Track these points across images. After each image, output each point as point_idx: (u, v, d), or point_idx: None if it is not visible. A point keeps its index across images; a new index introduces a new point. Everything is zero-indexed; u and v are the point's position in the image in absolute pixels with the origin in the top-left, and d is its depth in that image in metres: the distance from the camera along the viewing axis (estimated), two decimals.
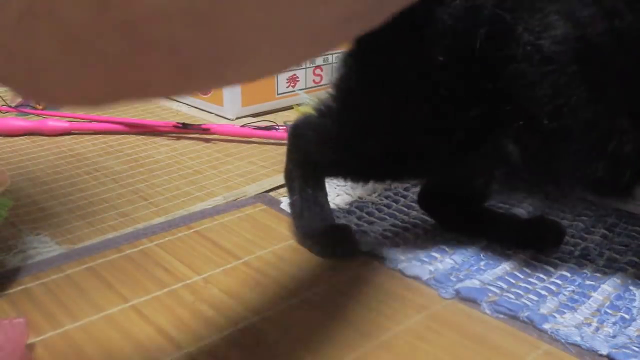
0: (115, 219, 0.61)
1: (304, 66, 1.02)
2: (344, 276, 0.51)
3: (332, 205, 0.63)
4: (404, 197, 0.66)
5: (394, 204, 0.64)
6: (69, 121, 0.89)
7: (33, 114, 0.97)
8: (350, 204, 0.64)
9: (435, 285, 0.49)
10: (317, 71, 1.04)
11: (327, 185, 0.68)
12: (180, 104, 1.05)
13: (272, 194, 0.68)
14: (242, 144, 0.84)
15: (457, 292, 0.48)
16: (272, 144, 0.84)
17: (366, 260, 0.53)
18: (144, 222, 0.60)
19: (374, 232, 0.57)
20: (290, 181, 0.57)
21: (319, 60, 1.04)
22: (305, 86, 1.03)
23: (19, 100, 1.00)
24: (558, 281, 0.50)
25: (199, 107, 1.01)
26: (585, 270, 0.52)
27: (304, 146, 0.56)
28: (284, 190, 0.69)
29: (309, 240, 0.55)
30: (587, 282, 0.50)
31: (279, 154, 0.80)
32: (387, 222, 0.60)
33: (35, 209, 0.63)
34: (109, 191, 0.68)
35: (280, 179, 0.71)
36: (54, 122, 0.88)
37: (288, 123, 0.87)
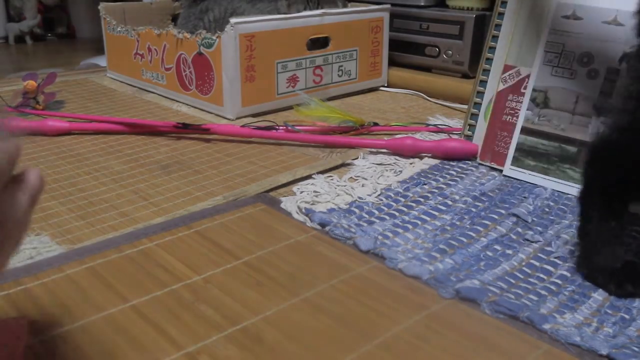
0: (115, 219, 0.61)
1: (304, 66, 1.02)
2: (344, 276, 0.51)
3: (332, 206, 0.63)
4: (404, 197, 0.66)
5: (393, 204, 0.64)
6: (69, 121, 0.89)
7: (33, 114, 0.97)
8: (350, 204, 0.64)
9: (435, 285, 0.49)
10: (317, 71, 1.04)
11: (326, 184, 0.68)
12: (181, 104, 1.05)
13: (272, 194, 0.68)
14: (242, 144, 0.84)
15: (457, 292, 0.48)
16: (272, 144, 0.84)
17: (366, 260, 0.54)
18: (144, 222, 0.60)
19: (374, 232, 0.57)
20: (587, 207, 0.50)
21: (319, 60, 1.04)
22: (305, 86, 1.03)
23: (19, 100, 1.00)
24: (558, 281, 0.50)
25: (199, 107, 1.01)
26: None
27: (608, 171, 0.48)
28: (284, 190, 0.69)
29: (603, 276, 0.49)
30: (587, 282, 0.50)
31: (279, 154, 0.80)
32: (387, 222, 0.60)
33: (35, 209, 0.63)
34: (109, 191, 0.68)
35: (280, 178, 0.71)
36: (54, 122, 0.88)
37: (288, 123, 0.87)
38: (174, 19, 1.35)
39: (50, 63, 1.60)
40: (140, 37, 1.10)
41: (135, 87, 1.17)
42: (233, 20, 0.91)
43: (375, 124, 0.89)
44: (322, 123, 0.87)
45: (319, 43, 1.04)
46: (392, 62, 1.19)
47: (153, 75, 1.10)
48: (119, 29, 1.17)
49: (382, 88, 1.18)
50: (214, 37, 0.93)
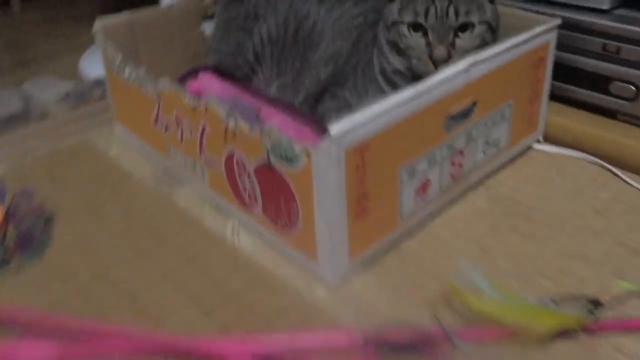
0: None
1: (438, 159, 0.61)
2: None
3: None
4: None
5: None
6: (56, 343, 0.51)
7: None
8: None
9: None
10: (456, 158, 0.63)
11: None
12: (236, 223, 0.66)
13: None
14: None
15: None
16: None
17: None
18: None
19: None
20: None
21: (461, 142, 0.62)
22: (440, 189, 0.63)
23: None
24: None
25: (270, 242, 0.62)
26: None
27: None
28: None
29: None
30: None
31: None
32: None
33: None
34: None
35: None
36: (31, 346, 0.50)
37: (444, 325, 0.49)
38: (206, 18, 0.92)
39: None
40: (161, 99, 0.69)
41: (159, 164, 0.76)
42: (333, 126, 0.49)
43: (599, 304, 0.50)
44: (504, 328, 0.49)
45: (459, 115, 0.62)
46: (550, 96, 0.77)
47: (185, 159, 0.70)
48: (126, 74, 0.74)
49: (536, 145, 0.76)
50: (296, 150, 0.52)
